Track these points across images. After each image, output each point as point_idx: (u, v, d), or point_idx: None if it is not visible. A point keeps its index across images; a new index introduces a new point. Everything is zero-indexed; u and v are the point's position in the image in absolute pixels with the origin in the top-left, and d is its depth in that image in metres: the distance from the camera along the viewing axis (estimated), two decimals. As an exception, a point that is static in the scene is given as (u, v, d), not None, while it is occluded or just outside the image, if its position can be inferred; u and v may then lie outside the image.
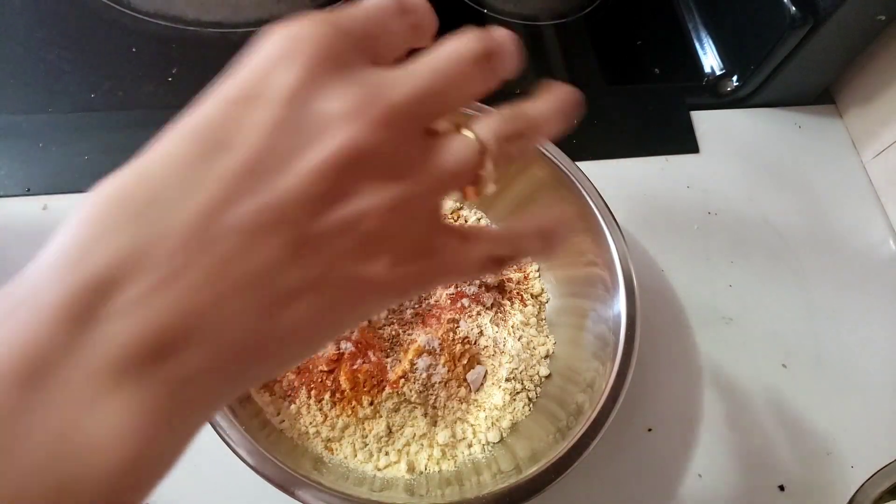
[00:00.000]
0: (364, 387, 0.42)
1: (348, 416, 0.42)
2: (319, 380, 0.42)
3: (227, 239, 0.17)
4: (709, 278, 0.55)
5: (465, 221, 0.53)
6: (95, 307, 0.16)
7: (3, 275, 0.50)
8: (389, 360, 0.45)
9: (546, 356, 0.48)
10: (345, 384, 0.42)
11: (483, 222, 0.53)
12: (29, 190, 0.50)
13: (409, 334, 0.46)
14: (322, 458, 0.41)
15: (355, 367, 0.42)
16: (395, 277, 0.20)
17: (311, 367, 0.43)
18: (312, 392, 0.42)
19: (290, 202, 0.17)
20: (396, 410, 0.43)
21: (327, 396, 0.42)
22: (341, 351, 0.43)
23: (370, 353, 0.43)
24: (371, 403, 0.42)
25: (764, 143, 0.64)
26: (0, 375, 0.15)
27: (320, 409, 0.42)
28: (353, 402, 0.42)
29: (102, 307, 0.16)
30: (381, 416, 0.43)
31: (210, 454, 0.42)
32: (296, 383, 0.43)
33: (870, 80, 0.62)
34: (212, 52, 0.59)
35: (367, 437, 0.42)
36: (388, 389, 0.43)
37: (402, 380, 0.43)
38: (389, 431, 0.43)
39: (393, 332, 0.46)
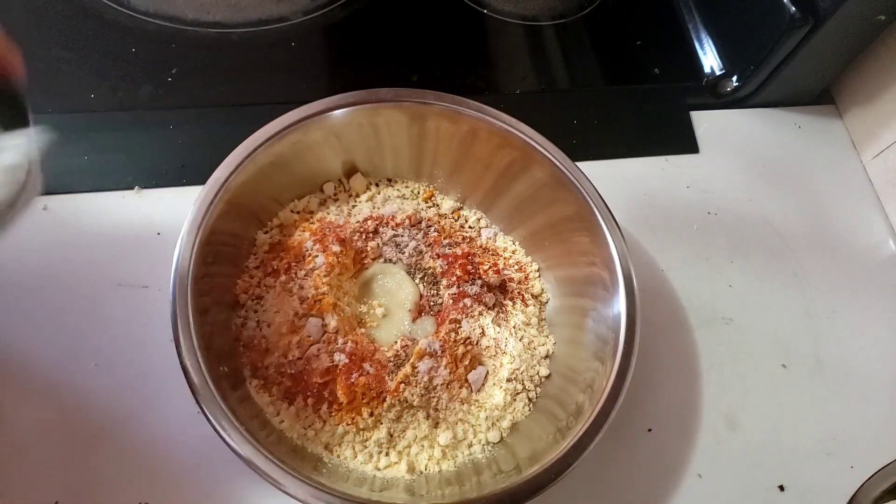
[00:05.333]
0: (363, 399, 0.42)
1: (348, 426, 0.42)
2: (315, 390, 0.42)
3: None
4: (709, 278, 0.55)
5: (466, 221, 0.53)
6: None
7: (4, 275, 0.50)
8: (391, 371, 0.44)
9: (546, 356, 0.48)
10: (342, 398, 0.41)
11: (482, 222, 0.53)
12: (29, 190, 0.50)
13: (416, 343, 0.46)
14: (322, 458, 0.41)
15: (352, 380, 0.42)
16: None
17: (305, 377, 0.42)
18: (310, 401, 0.42)
19: None
20: (398, 419, 0.43)
21: (325, 406, 0.42)
22: (335, 363, 0.42)
23: (366, 365, 0.43)
24: (371, 414, 0.42)
25: (764, 143, 0.64)
26: None
27: (318, 416, 0.42)
28: (353, 414, 0.42)
29: None
30: (381, 425, 0.42)
31: (210, 454, 0.42)
32: (293, 389, 0.42)
33: (870, 80, 0.62)
34: (212, 52, 0.59)
35: (367, 441, 0.42)
36: (388, 399, 0.42)
37: (404, 384, 0.43)
38: (390, 436, 0.42)
39: (403, 344, 0.45)
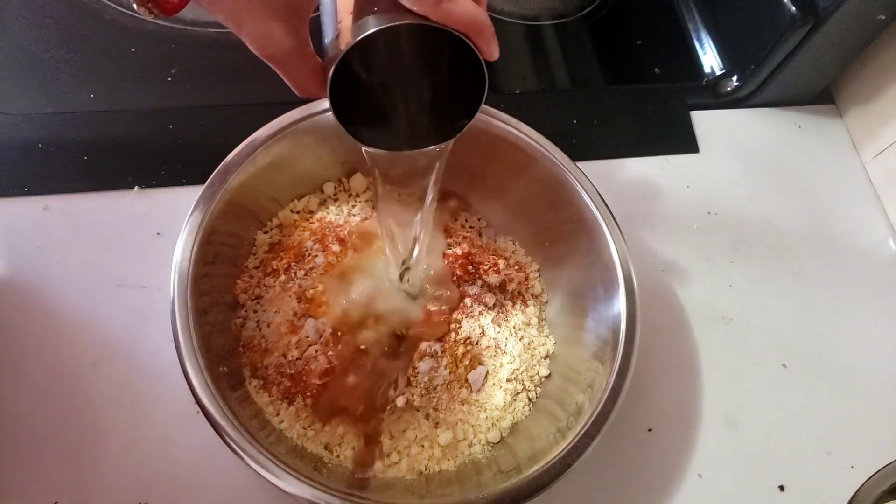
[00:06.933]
0: (364, 400, 0.42)
1: (348, 426, 0.42)
2: (315, 391, 0.42)
3: None
4: (709, 278, 0.55)
5: (466, 221, 0.53)
6: None
7: (5, 275, 0.50)
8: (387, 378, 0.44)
9: (546, 356, 0.48)
10: (343, 401, 0.41)
11: (482, 222, 0.53)
12: (28, 190, 0.50)
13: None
14: (322, 458, 0.41)
15: (352, 382, 0.42)
16: None
17: (305, 377, 0.42)
18: (309, 401, 0.42)
19: None
20: (398, 419, 0.43)
21: (325, 406, 0.42)
22: (333, 365, 0.42)
23: (365, 367, 0.43)
24: (372, 417, 0.42)
25: (764, 143, 0.64)
26: None
27: (319, 417, 0.42)
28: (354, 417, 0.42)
29: None
30: (382, 425, 0.42)
31: (211, 454, 0.42)
32: (292, 390, 0.42)
33: (870, 80, 0.62)
34: (211, 52, 0.59)
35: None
36: (389, 403, 0.42)
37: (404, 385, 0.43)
38: (391, 436, 0.42)
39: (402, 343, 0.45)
